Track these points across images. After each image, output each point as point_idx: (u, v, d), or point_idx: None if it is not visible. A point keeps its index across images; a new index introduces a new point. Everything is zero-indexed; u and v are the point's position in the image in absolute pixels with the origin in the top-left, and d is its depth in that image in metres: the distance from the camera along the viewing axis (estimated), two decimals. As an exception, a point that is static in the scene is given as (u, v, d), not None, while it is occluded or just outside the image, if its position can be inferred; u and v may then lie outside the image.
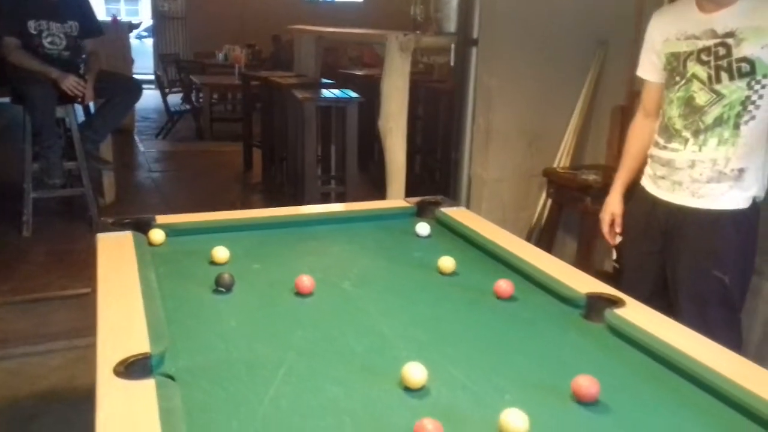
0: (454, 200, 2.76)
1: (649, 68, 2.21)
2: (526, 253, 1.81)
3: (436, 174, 5.18)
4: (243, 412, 1.11)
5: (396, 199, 2.79)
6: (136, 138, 7.45)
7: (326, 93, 4.51)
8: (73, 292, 3.22)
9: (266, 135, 5.49)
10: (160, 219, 2.01)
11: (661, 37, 2.11)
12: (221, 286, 1.59)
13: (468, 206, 3.36)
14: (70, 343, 2.84)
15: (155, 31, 12.29)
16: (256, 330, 1.44)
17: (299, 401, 1.15)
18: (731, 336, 1.99)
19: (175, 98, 8.33)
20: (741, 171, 1.97)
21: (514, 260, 1.78)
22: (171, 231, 1.94)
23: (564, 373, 1.22)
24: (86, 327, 3.11)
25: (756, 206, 2.02)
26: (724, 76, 1.93)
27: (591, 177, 3.12)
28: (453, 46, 3.80)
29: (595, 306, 1.50)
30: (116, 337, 1.31)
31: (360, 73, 6.44)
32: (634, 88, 3.22)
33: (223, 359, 1.30)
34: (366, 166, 5.57)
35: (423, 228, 2.05)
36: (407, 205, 2.27)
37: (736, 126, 1.94)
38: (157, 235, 1.89)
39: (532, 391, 1.20)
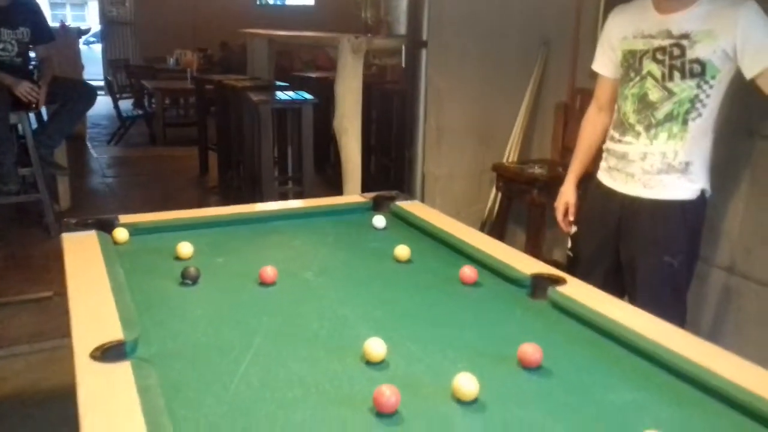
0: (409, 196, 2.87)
1: (605, 63, 2.32)
2: (476, 241, 1.93)
3: (390, 173, 5.29)
4: (216, 389, 1.19)
5: (353, 195, 2.88)
6: (89, 144, 7.39)
7: (281, 95, 4.57)
8: (33, 296, 3.22)
9: (222, 138, 5.53)
10: (123, 218, 2.06)
11: (620, 35, 2.21)
12: (187, 279, 1.66)
13: (422, 202, 3.48)
14: (33, 347, 2.86)
15: (103, 37, 12.13)
16: (224, 317, 1.51)
17: (268, 378, 1.24)
18: (677, 315, 2.14)
19: (125, 104, 8.28)
20: (688, 164, 2.11)
21: (465, 247, 1.89)
22: (134, 230, 1.99)
23: (511, 344, 1.33)
24: (49, 330, 3.14)
25: (703, 198, 2.16)
26: (676, 75, 2.05)
27: (537, 170, 3.28)
28: (403, 47, 3.92)
29: (540, 285, 1.62)
30: (90, 327, 1.36)
31: (314, 75, 6.51)
32: (575, 86, 3.39)
33: (193, 344, 1.37)
34: (322, 168, 5.65)
35: (379, 221, 2.15)
36: (363, 200, 2.37)
37: (685, 122, 2.08)
38: (121, 234, 1.95)
39: (482, 360, 1.31)
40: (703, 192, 2.15)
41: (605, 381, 1.26)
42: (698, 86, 2.04)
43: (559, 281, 1.62)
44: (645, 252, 2.17)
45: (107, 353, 1.24)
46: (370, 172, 5.23)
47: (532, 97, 3.71)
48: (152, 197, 5.47)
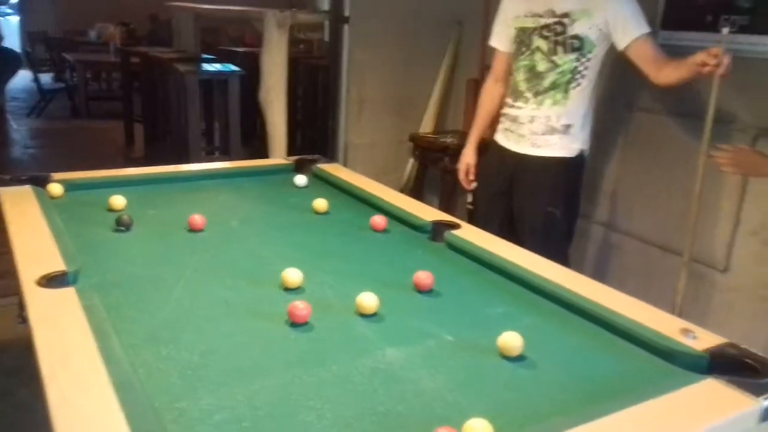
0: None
1: (501, 39, 2.61)
2: (386, 195, 2.16)
3: (316, 145, 5.45)
4: (152, 309, 1.38)
5: (276, 158, 3.05)
6: (8, 116, 7.24)
7: (208, 67, 4.67)
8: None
9: (148, 110, 5.57)
10: (56, 176, 2.19)
11: (513, 14, 2.51)
12: (121, 225, 1.83)
13: (344, 170, 3.68)
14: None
15: (21, 8, 11.71)
16: (157, 257, 1.69)
17: (197, 301, 1.43)
18: (559, 262, 2.43)
19: (45, 77, 8.10)
20: (568, 126, 2.42)
21: (376, 200, 2.12)
22: (68, 185, 2.13)
23: (410, 275, 1.56)
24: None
25: (582, 157, 2.48)
26: (560, 49, 2.36)
27: (449, 140, 3.56)
28: (326, 23, 4.09)
29: (438, 230, 1.86)
30: (34, 262, 1.50)
31: (240, 50, 6.58)
32: (485, 63, 3.66)
33: (130, 277, 1.55)
34: (249, 142, 5.76)
35: (300, 179, 2.35)
36: (287, 162, 2.56)
37: (566, 90, 2.39)
38: (56, 189, 2.08)
39: (384, 287, 1.52)
40: (581, 152, 2.45)
41: (483, 299, 1.51)
42: (577, 59, 2.35)
43: (455, 226, 1.87)
44: (532, 202, 2.47)
45: (52, 281, 1.40)
46: (297, 147, 5.38)
47: (447, 72, 3.97)
48: (78, 167, 5.40)
